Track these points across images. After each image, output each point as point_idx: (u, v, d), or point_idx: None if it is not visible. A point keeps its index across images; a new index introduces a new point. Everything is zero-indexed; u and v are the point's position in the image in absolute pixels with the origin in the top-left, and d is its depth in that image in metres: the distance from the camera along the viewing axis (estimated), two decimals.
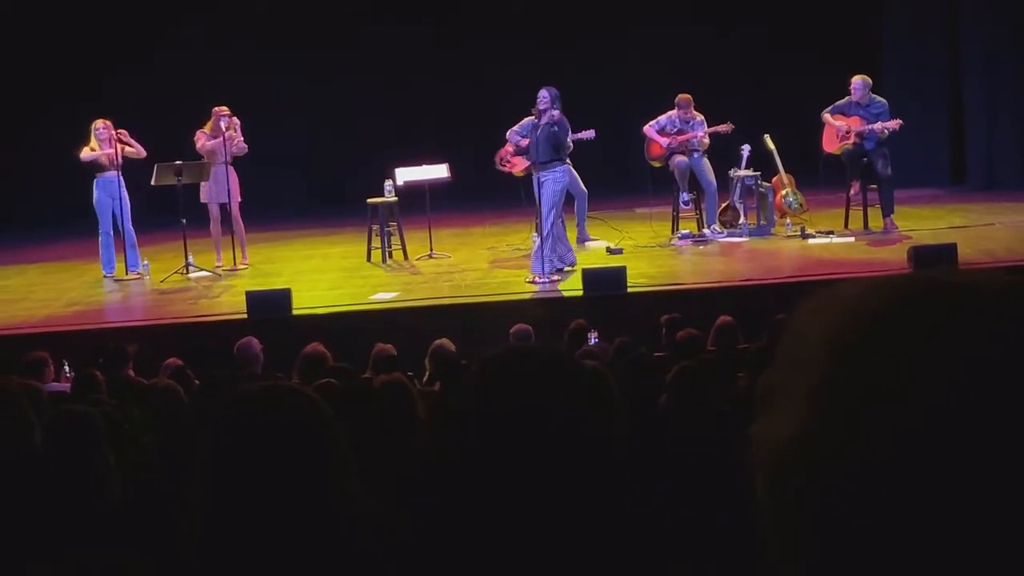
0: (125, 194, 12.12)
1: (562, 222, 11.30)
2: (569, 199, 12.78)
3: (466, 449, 1.73)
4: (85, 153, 12.12)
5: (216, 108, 12.42)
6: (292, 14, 17.28)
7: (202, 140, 12.35)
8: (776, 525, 0.80)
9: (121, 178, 12.12)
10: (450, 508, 1.75)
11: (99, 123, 12.14)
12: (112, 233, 12.16)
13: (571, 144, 12.54)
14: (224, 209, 12.33)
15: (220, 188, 12.23)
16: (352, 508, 1.96)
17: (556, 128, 10.75)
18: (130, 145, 12.18)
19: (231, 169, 12.33)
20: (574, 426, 1.72)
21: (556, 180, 10.82)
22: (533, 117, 11.95)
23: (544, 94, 10.86)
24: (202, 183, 12.28)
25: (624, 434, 4.47)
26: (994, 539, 0.72)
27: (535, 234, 11.87)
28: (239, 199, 12.39)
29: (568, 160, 12.64)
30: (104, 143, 12.09)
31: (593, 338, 8.16)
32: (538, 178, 10.90)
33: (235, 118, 12.44)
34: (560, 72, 16.01)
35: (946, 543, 0.73)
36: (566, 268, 11.08)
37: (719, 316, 7.85)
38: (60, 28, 16.80)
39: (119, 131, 12.15)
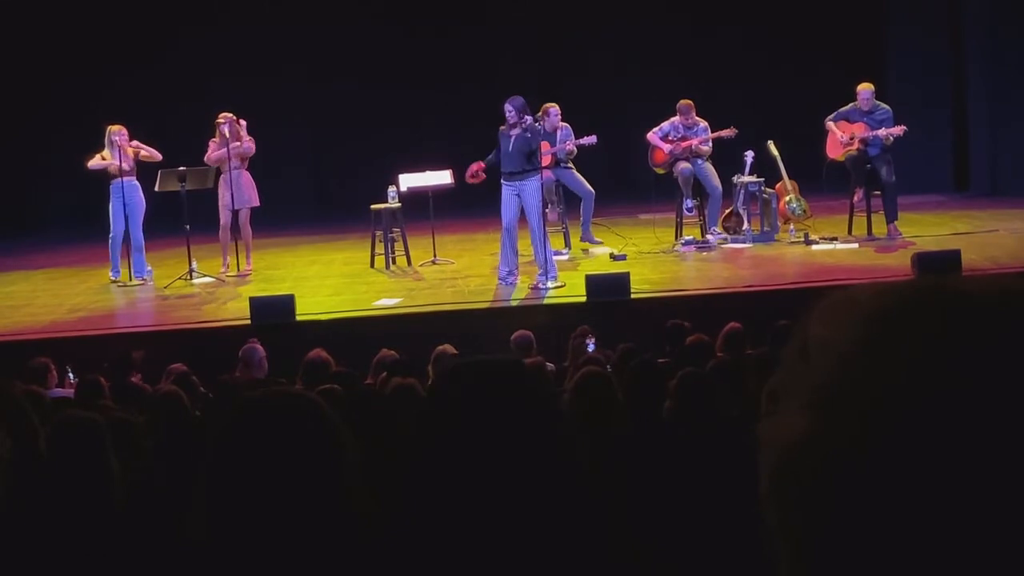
0: (137, 199, 12.07)
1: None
2: (575, 200, 12.79)
3: (434, 457, 1.78)
4: (94, 161, 12.10)
5: (219, 117, 12.40)
6: (296, 18, 17.30)
7: (211, 150, 12.33)
8: (780, 526, 0.80)
9: (136, 183, 12.10)
10: (432, 511, 1.77)
11: (115, 129, 12.09)
12: (121, 239, 12.15)
13: (572, 150, 12.53)
14: (235, 215, 12.30)
15: (238, 194, 12.18)
16: (361, 512, 1.96)
17: (529, 135, 10.66)
18: (144, 150, 12.17)
19: (245, 173, 12.32)
20: (523, 433, 1.75)
21: (536, 191, 10.72)
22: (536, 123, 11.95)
23: (509, 107, 10.77)
24: (221, 192, 12.23)
25: (626, 439, 4.47)
26: (998, 543, 0.72)
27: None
28: (257, 203, 12.39)
29: (572, 164, 12.68)
30: (115, 149, 12.04)
31: (590, 344, 8.16)
32: (512, 189, 10.79)
33: (242, 120, 12.41)
34: (564, 77, 16.07)
35: (950, 546, 0.73)
36: (509, 282, 10.92)
37: (725, 322, 7.84)
38: (64, 32, 16.83)
39: (133, 143, 12.12)
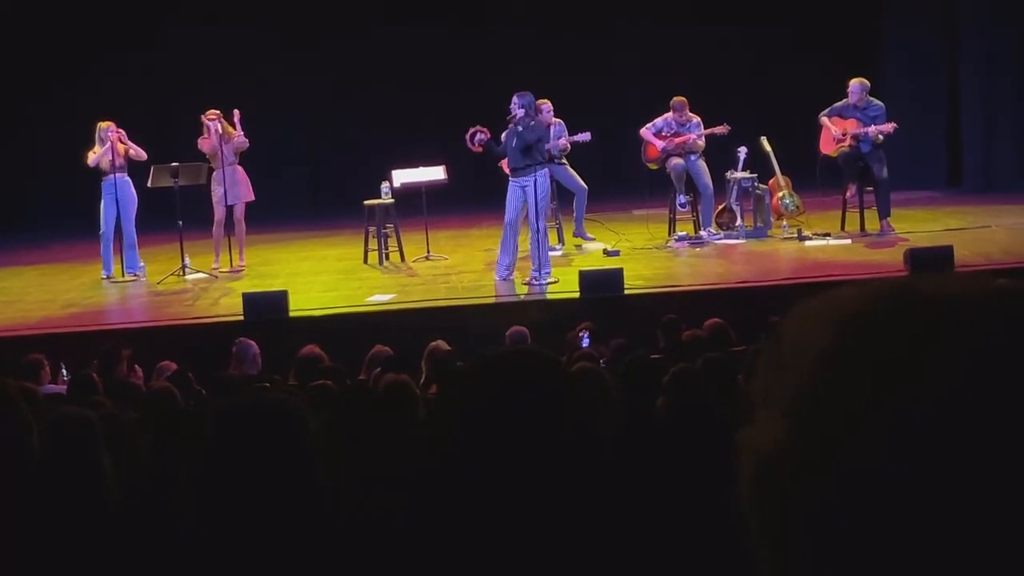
0: (129, 195, 12.08)
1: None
2: (569, 196, 12.79)
3: (457, 450, 1.75)
4: (90, 158, 12.10)
5: (209, 114, 12.37)
6: (290, 15, 17.28)
7: (206, 145, 12.31)
8: (761, 531, 0.80)
9: (128, 179, 12.11)
10: (444, 507, 1.76)
11: (105, 125, 12.10)
12: (112, 235, 12.14)
13: (565, 146, 12.53)
14: (229, 211, 12.29)
15: (232, 190, 12.17)
16: (340, 507, 1.97)
17: (522, 130, 10.65)
18: (130, 147, 12.17)
19: (239, 169, 12.31)
20: (562, 429, 1.73)
21: (538, 187, 10.68)
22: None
23: (515, 100, 10.75)
24: (214, 187, 12.22)
25: (620, 435, 4.47)
26: (978, 548, 0.72)
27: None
28: (252, 198, 12.37)
29: (565, 161, 12.68)
30: (105, 146, 12.04)
31: (585, 339, 8.18)
32: (516, 184, 10.79)
33: (236, 111, 12.37)
34: (558, 73, 16.04)
35: (929, 552, 0.73)
36: (504, 277, 10.96)
37: (719, 318, 7.84)
38: (59, 28, 16.79)
39: (119, 131, 12.12)
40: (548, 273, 10.71)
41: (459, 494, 1.73)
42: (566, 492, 1.71)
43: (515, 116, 10.64)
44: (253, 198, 12.40)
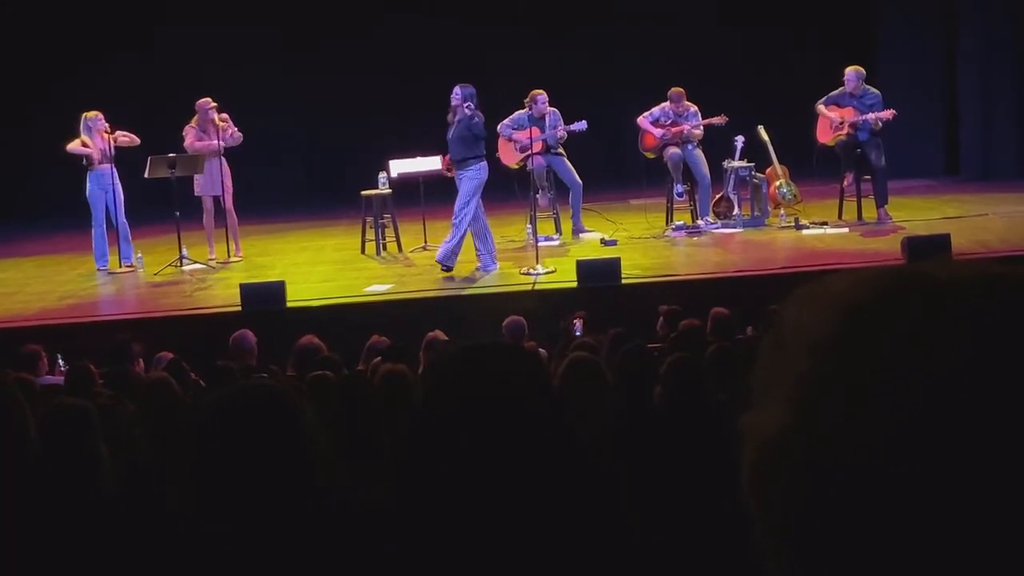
0: (118, 186, 12.10)
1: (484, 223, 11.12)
2: (564, 190, 12.77)
3: (424, 443, 1.76)
4: (73, 145, 12.08)
5: (200, 101, 12.37)
6: (288, 6, 17.25)
7: (190, 138, 12.30)
8: (762, 518, 0.80)
9: (114, 170, 12.11)
10: (424, 497, 1.77)
11: (92, 115, 12.09)
12: (105, 226, 12.15)
13: (562, 136, 12.51)
14: (217, 201, 12.33)
15: (213, 180, 12.21)
16: (335, 497, 1.97)
17: (468, 124, 10.68)
18: (123, 136, 12.15)
19: (223, 161, 12.32)
20: (541, 424, 1.74)
21: (471, 178, 10.73)
22: (525, 110, 12.05)
23: (457, 91, 10.82)
24: (195, 176, 12.24)
25: (616, 425, 4.47)
26: (978, 536, 0.72)
27: (528, 226, 11.89)
28: (231, 191, 12.38)
29: (563, 151, 12.66)
30: (95, 135, 12.05)
31: (578, 328, 8.18)
32: (457, 176, 10.86)
33: (223, 113, 12.39)
34: (556, 63, 16.04)
35: (930, 540, 0.72)
36: (478, 273, 10.95)
37: (713, 308, 7.84)
38: (56, 19, 16.76)
39: (114, 134, 12.09)
40: (451, 264, 10.78)
41: (441, 484, 1.74)
42: (547, 485, 1.71)
43: (452, 108, 10.75)
44: (220, 193, 12.34)
